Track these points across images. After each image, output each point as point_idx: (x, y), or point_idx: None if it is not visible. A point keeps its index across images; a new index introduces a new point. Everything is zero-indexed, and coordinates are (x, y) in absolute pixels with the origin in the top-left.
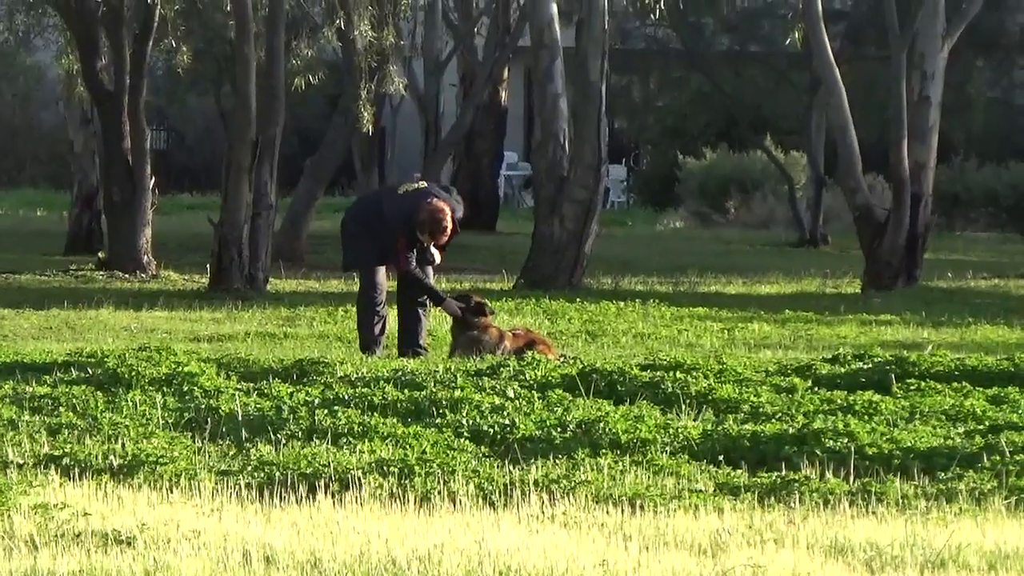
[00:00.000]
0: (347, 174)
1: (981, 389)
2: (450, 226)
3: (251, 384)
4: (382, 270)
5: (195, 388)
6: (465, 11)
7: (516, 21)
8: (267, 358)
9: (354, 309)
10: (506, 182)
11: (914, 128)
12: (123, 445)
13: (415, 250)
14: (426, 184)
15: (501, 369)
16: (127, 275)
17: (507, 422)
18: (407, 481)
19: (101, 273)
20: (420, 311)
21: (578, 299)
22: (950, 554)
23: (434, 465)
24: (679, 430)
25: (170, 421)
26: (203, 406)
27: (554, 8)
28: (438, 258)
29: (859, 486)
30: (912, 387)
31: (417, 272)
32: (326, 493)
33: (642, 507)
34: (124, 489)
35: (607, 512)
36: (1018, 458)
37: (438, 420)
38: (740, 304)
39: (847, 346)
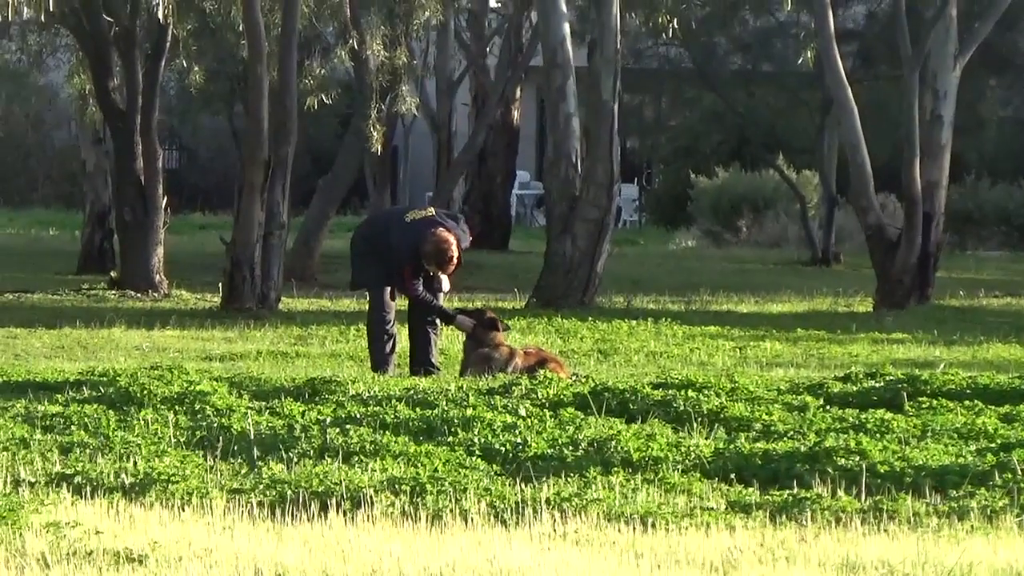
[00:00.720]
0: (359, 193)
1: (993, 407)
2: (456, 257)
3: (263, 403)
4: (390, 289)
5: (207, 407)
6: (477, 31)
7: (528, 41)
8: (279, 377)
9: (365, 328)
10: (518, 201)
11: (926, 147)
12: (135, 463)
13: (421, 277)
14: (434, 212)
15: (513, 387)
16: (139, 294)
17: (519, 440)
18: (419, 499)
19: (113, 292)
20: (431, 329)
21: (590, 318)
22: (962, 572)
23: (446, 483)
24: (691, 448)
25: (182, 440)
26: (215, 425)
27: (567, 28)
28: (446, 285)
29: (871, 504)
30: (924, 405)
31: (425, 296)
32: (338, 511)
33: (654, 525)
34: (136, 507)
35: (619, 530)
36: None
37: (450, 438)
38: (752, 323)
39: (859, 364)
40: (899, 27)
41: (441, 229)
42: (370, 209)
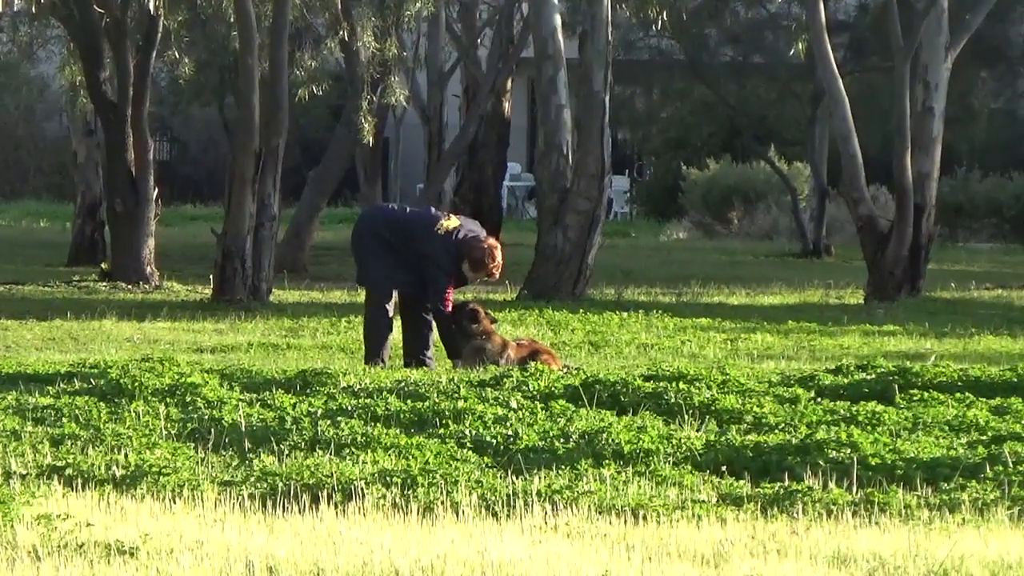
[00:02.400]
0: (350, 185)
1: (984, 400)
2: (502, 261)
3: (254, 395)
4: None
5: (198, 399)
6: (468, 22)
7: (519, 32)
8: (270, 369)
9: (357, 320)
10: (509, 193)
11: (917, 139)
12: (126, 456)
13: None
14: (458, 220)
15: (504, 380)
16: (130, 286)
17: (510, 433)
18: (410, 492)
19: (104, 284)
20: (425, 323)
21: (581, 310)
22: (953, 564)
23: (437, 476)
24: (682, 441)
25: (173, 432)
26: (206, 417)
27: (558, 19)
28: None
29: (862, 496)
30: (915, 398)
31: (448, 315)
32: (329, 503)
33: (645, 518)
34: (127, 500)
35: (610, 522)
36: (1021, 468)
37: (441, 431)
38: (743, 315)
39: (850, 357)
40: (890, 18)
41: (483, 236)
42: (361, 201)
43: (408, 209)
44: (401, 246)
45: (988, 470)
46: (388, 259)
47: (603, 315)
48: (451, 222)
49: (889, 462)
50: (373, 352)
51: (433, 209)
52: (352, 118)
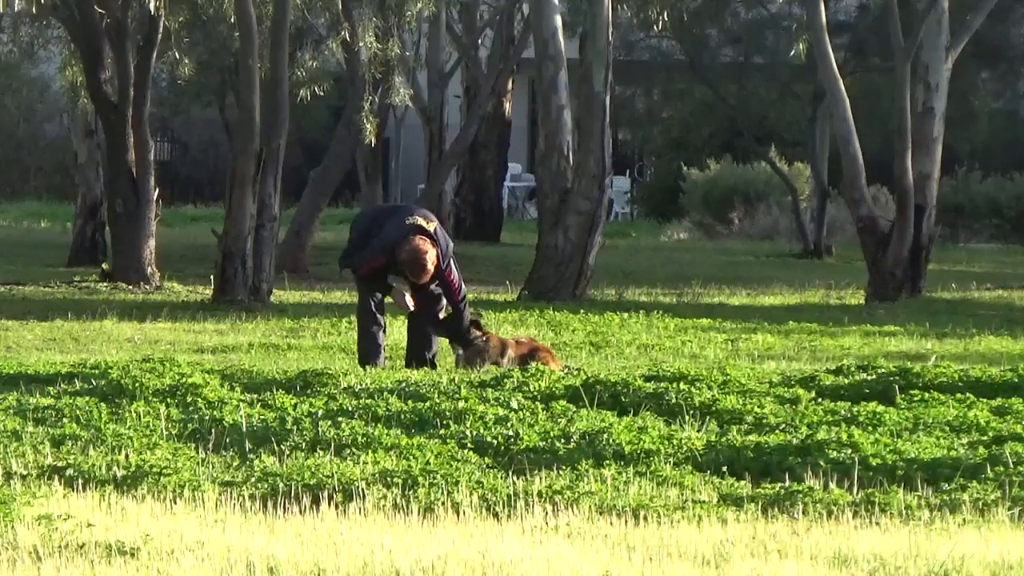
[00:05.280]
0: (351, 185)
1: (985, 400)
2: (428, 269)
3: (255, 395)
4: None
5: (199, 399)
6: (469, 23)
7: (520, 33)
8: (271, 369)
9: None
10: (510, 193)
11: (918, 139)
12: (127, 456)
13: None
14: (433, 226)
15: (505, 380)
16: (131, 286)
17: (511, 433)
18: (411, 492)
19: (105, 284)
20: (429, 325)
21: (582, 310)
22: (953, 565)
23: (438, 476)
24: (683, 441)
25: (174, 432)
26: (207, 417)
27: (558, 20)
28: (410, 303)
29: (863, 497)
30: (916, 398)
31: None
32: (330, 504)
33: (646, 518)
34: (128, 500)
35: (611, 523)
36: (1022, 469)
37: (442, 431)
38: (744, 315)
39: (851, 357)
40: (891, 19)
41: (420, 238)
42: (362, 201)
43: (406, 205)
44: (376, 227)
45: (989, 471)
46: (362, 240)
47: (604, 316)
48: (427, 223)
49: (890, 462)
50: (365, 352)
51: (429, 212)
52: (353, 118)
